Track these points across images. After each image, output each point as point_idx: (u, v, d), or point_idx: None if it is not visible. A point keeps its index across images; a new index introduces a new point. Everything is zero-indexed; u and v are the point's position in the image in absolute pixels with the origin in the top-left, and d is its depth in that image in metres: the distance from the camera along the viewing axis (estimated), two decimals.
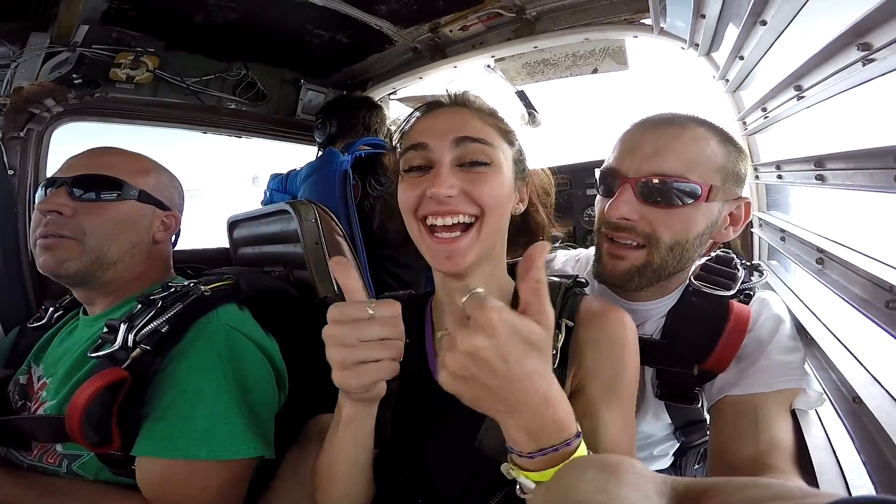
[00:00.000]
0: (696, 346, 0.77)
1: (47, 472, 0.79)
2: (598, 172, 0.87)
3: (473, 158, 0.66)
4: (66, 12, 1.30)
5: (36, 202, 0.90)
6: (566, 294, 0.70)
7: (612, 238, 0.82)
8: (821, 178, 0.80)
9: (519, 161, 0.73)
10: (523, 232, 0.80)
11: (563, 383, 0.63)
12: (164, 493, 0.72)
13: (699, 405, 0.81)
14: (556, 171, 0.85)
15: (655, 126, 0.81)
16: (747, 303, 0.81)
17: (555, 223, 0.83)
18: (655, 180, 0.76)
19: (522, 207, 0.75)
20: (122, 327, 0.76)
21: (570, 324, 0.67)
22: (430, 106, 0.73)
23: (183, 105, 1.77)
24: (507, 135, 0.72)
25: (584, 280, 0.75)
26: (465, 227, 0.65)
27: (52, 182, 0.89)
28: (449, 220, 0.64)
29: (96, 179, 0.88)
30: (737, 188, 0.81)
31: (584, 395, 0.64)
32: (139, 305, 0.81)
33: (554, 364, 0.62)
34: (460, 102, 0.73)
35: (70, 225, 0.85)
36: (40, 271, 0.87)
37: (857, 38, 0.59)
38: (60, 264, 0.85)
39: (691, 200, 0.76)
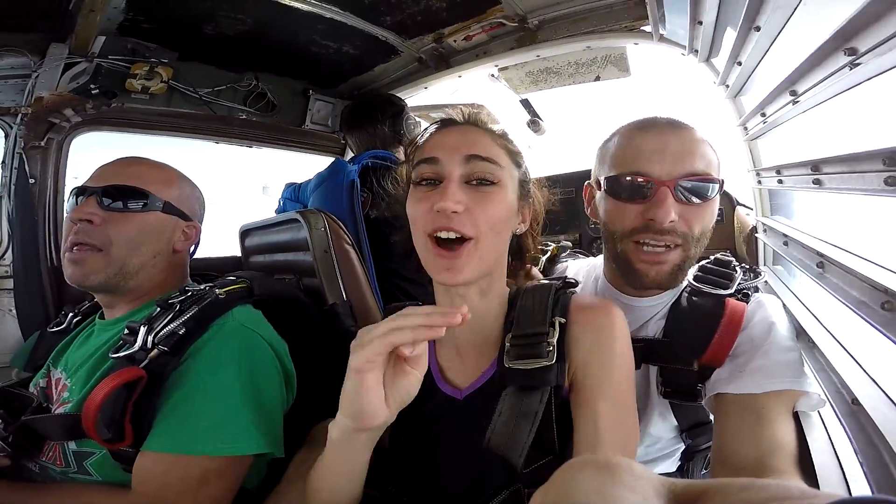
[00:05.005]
0: (694, 342, 0.80)
1: (57, 472, 0.82)
2: (612, 179, 0.84)
3: (481, 177, 0.68)
4: (83, 24, 1.35)
5: (67, 210, 0.93)
6: (556, 294, 0.73)
7: (646, 243, 0.82)
8: (817, 181, 0.81)
9: (524, 182, 0.76)
10: (513, 253, 0.81)
11: (562, 376, 0.66)
12: (145, 483, 0.74)
13: (702, 402, 0.82)
14: (562, 179, 0.87)
15: (669, 128, 0.83)
16: (745, 302, 0.82)
17: (538, 249, 0.85)
18: (692, 180, 0.79)
19: (524, 228, 0.78)
20: (142, 329, 0.80)
21: (563, 320, 0.69)
22: (443, 123, 0.76)
23: (196, 115, 1.82)
24: (515, 156, 0.75)
25: (573, 281, 0.79)
26: (465, 240, 0.67)
27: (82, 191, 0.92)
28: (453, 235, 0.67)
29: (124, 190, 0.92)
30: None
31: (579, 385, 0.67)
32: (158, 309, 0.84)
33: (552, 359, 0.65)
34: (472, 121, 0.76)
35: (98, 234, 0.88)
36: (68, 282, 0.90)
37: (844, 42, 0.61)
38: (86, 277, 0.89)
39: (714, 194, 0.81)
